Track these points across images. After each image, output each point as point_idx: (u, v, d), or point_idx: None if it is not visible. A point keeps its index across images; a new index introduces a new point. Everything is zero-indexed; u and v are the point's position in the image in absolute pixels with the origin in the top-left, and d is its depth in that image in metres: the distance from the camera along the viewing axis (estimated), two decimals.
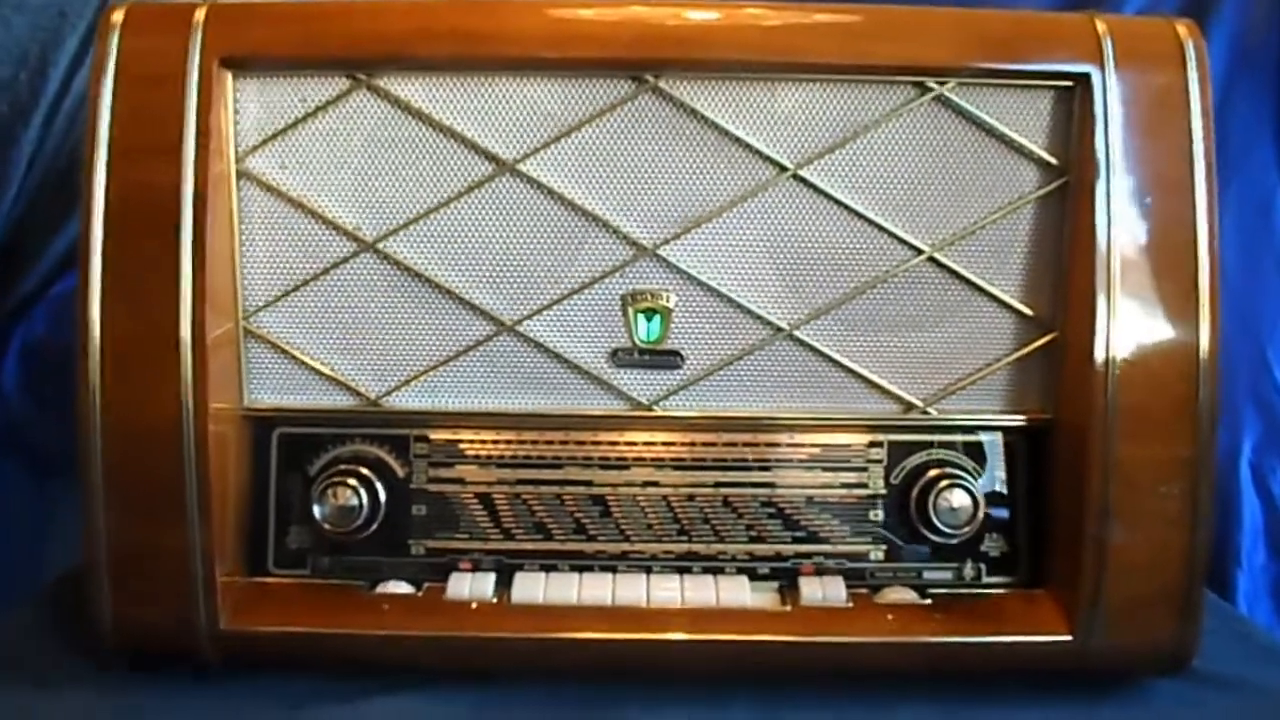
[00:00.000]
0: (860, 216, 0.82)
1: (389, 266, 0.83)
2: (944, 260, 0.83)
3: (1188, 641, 0.82)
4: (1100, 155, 0.80)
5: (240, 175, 0.81)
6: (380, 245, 0.82)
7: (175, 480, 0.78)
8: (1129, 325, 0.80)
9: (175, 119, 0.79)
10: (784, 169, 0.82)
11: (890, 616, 0.82)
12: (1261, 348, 1.21)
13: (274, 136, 0.82)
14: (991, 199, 0.83)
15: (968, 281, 0.84)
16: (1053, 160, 0.83)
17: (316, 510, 0.82)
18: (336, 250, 0.83)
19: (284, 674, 0.82)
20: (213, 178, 0.79)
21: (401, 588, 0.84)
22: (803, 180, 0.82)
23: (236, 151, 0.81)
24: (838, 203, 0.82)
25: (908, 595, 0.85)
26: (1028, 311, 0.84)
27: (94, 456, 0.79)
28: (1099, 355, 0.80)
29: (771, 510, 0.85)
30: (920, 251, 0.83)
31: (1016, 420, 0.85)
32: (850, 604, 0.83)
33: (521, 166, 0.82)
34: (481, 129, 0.81)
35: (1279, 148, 1.27)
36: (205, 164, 0.78)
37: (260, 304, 0.83)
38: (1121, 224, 0.80)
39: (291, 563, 0.85)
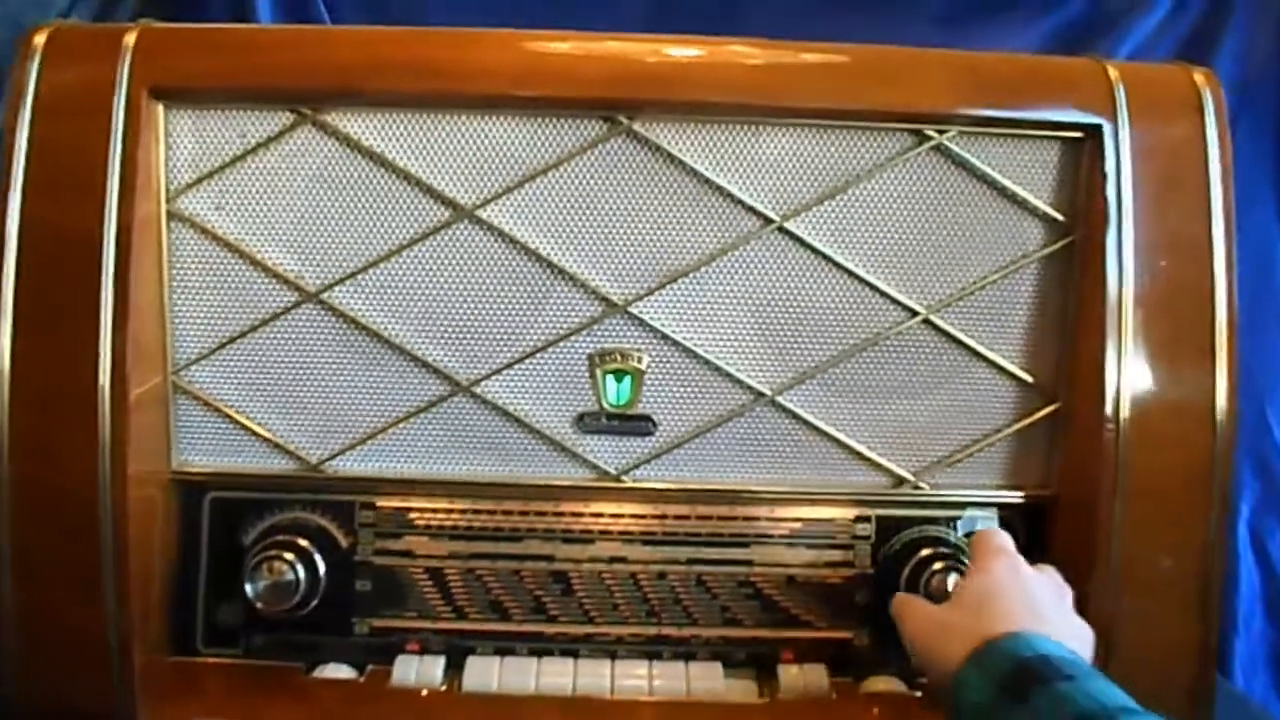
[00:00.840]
0: (850, 274, 0.79)
1: (334, 319, 0.78)
2: (940, 323, 0.80)
3: None
4: (1111, 212, 0.77)
5: (171, 216, 0.77)
6: (324, 296, 0.78)
7: (90, 551, 0.74)
8: (1139, 396, 0.77)
9: (99, 154, 0.74)
10: (769, 220, 0.78)
11: (876, 710, 0.78)
12: (1261, 406, 1.17)
13: (209, 175, 0.77)
14: (992, 257, 0.79)
15: (965, 346, 0.80)
16: (1059, 216, 0.79)
17: (249, 587, 0.77)
18: (276, 300, 0.78)
19: None
20: (139, 219, 0.75)
21: (342, 671, 0.79)
22: (788, 233, 0.78)
23: (167, 191, 0.77)
24: (826, 258, 0.79)
25: (896, 685, 0.79)
26: (1029, 379, 0.80)
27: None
28: (1107, 428, 0.77)
29: (749, 590, 0.81)
30: (915, 313, 0.79)
31: (1014, 496, 0.82)
32: (833, 695, 0.78)
33: (481, 213, 0.77)
34: (438, 171, 0.77)
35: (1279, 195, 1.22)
36: (131, 204, 0.74)
37: (191, 357, 0.79)
38: (1132, 286, 0.77)
39: (222, 641, 0.80)
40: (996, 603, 0.65)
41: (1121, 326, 0.76)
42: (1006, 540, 0.72)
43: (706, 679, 0.78)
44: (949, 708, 0.62)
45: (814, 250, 0.78)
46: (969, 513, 0.81)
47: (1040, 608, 0.65)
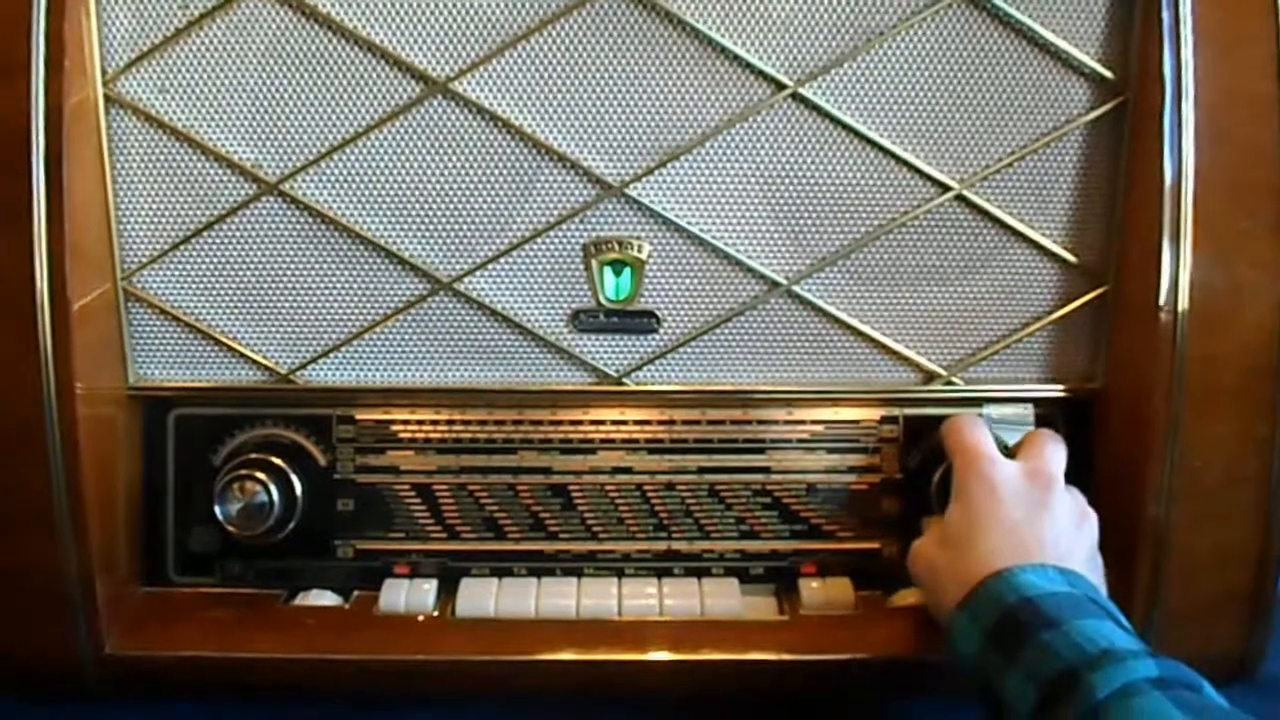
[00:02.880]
0: (874, 145, 0.74)
1: (297, 212, 0.74)
2: (974, 198, 0.75)
3: (1256, 647, 0.77)
4: (1168, 69, 0.71)
5: (109, 102, 0.72)
6: (286, 186, 0.74)
7: (39, 477, 0.70)
8: (1200, 278, 0.71)
9: (20, 31, 0.68)
10: (781, 86, 0.73)
11: (906, 625, 0.74)
12: None
13: (150, 53, 0.72)
14: (1032, 123, 0.74)
15: (1002, 224, 0.75)
16: (1108, 74, 0.73)
17: (220, 510, 0.74)
18: (233, 193, 0.74)
19: (185, 703, 0.75)
20: (73, 105, 0.69)
21: (326, 598, 0.77)
22: (804, 100, 0.73)
23: (104, 72, 0.72)
24: (846, 128, 0.74)
25: None
26: (1073, 260, 0.76)
27: None
28: (1163, 314, 0.72)
29: (766, 500, 0.78)
30: (946, 188, 0.75)
31: (1056, 390, 0.78)
32: (859, 610, 0.76)
33: (456, 86, 0.72)
34: (406, 40, 0.72)
35: None
36: (61, 88, 0.68)
37: (142, 261, 0.75)
38: (1193, 154, 0.71)
39: (196, 569, 0.78)
40: (979, 540, 0.67)
41: (1180, 199, 0.71)
42: (977, 435, 0.72)
43: (722, 596, 0.76)
44: (949, 651, 0.64)
45: (833, 119, 0.74)
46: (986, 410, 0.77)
47: (1021, 531, 0.67)
